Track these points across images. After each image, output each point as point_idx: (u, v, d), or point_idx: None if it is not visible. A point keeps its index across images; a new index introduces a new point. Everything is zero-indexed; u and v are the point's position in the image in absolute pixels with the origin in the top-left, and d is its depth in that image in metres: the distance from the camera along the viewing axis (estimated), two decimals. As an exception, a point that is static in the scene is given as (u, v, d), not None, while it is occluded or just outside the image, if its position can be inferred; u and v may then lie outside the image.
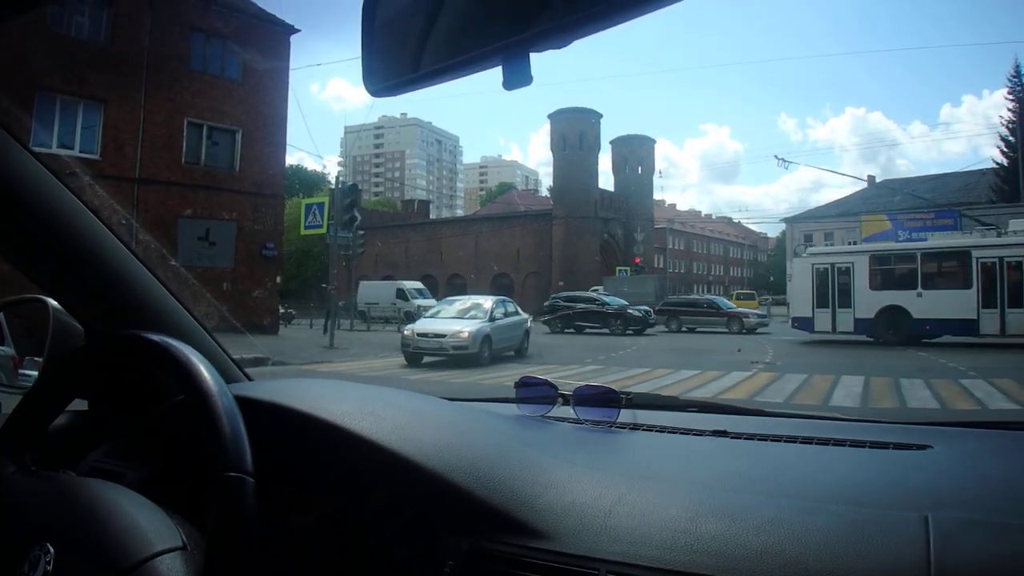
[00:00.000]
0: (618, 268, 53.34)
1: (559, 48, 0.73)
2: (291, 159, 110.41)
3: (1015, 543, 0.97)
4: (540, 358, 19.23)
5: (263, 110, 26.22)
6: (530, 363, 18.24)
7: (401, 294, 40.89)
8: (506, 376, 13.44)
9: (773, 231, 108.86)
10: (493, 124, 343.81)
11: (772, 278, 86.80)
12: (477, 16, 0.76)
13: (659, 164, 66.47)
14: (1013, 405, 10.48)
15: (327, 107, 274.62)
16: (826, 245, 62.42)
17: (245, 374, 1.71)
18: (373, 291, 42.31)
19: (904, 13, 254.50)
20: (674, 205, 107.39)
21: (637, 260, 58.45)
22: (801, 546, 1.00)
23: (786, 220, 73.26)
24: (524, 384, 1.92)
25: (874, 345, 21.68)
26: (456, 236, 63.00)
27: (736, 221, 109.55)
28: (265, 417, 1.29)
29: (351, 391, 1.48)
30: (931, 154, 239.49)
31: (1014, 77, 49.30)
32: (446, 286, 56.68)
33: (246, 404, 1.21)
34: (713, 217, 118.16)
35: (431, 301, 35.58)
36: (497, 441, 1.36)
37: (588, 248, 56.19)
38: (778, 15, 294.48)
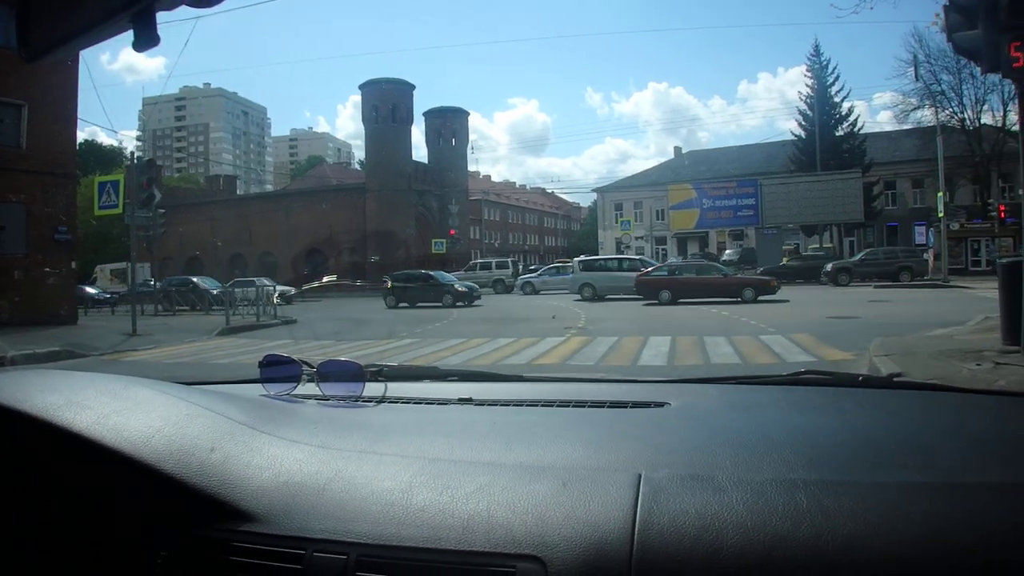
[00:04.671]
0: (434, 240, 53.43)
1: (195, 5, 0.75)
2: (83, 134, 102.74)
3: (724, 498, 0.98)
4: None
5: (51, 82, 24.19)
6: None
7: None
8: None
9: (586, 201, 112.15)
10: (299, 96, 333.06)
11: (586, 247, 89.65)
12: None
13: (471, 136, 66.92)
14: (809, 357, 10.97)
15: (119, 78, 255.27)
16: (635, 213, 65.36)
17: None
18: None
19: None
20: (488, 177, 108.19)
21: (452, 232, 58.83)
22: (509, 511, 1.02)
23: (597, 190, 75.69)
24: (269, 363, 1.87)
25: (682, 308, 23.44)
26: (266, 212, 60.72)
27: (550, 192, 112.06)
28: None
29: (66, 381, 1.41)
30: (730, 127, 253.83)
31: (813, 56, 53.04)
32: (256, 264, 54.93)
33: None
34: (528, 188, 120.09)
35: None
36: (216, 425, 1.33)
37: (403, 221, 55.84)
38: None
